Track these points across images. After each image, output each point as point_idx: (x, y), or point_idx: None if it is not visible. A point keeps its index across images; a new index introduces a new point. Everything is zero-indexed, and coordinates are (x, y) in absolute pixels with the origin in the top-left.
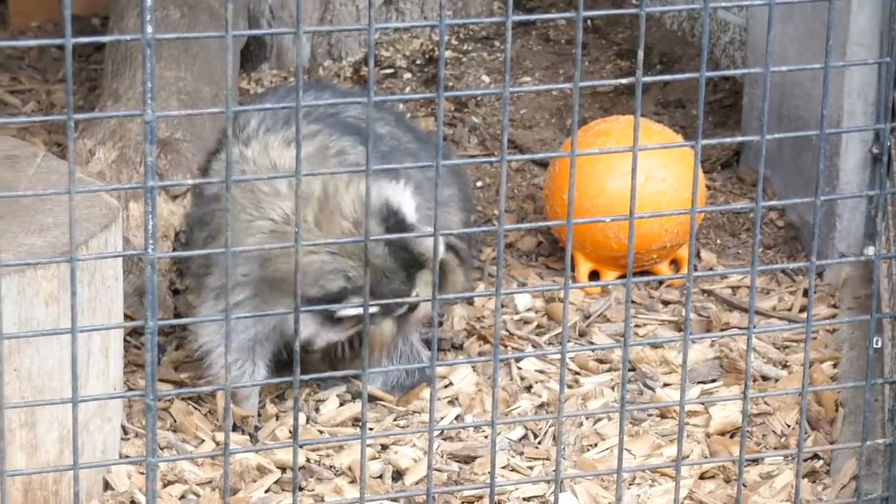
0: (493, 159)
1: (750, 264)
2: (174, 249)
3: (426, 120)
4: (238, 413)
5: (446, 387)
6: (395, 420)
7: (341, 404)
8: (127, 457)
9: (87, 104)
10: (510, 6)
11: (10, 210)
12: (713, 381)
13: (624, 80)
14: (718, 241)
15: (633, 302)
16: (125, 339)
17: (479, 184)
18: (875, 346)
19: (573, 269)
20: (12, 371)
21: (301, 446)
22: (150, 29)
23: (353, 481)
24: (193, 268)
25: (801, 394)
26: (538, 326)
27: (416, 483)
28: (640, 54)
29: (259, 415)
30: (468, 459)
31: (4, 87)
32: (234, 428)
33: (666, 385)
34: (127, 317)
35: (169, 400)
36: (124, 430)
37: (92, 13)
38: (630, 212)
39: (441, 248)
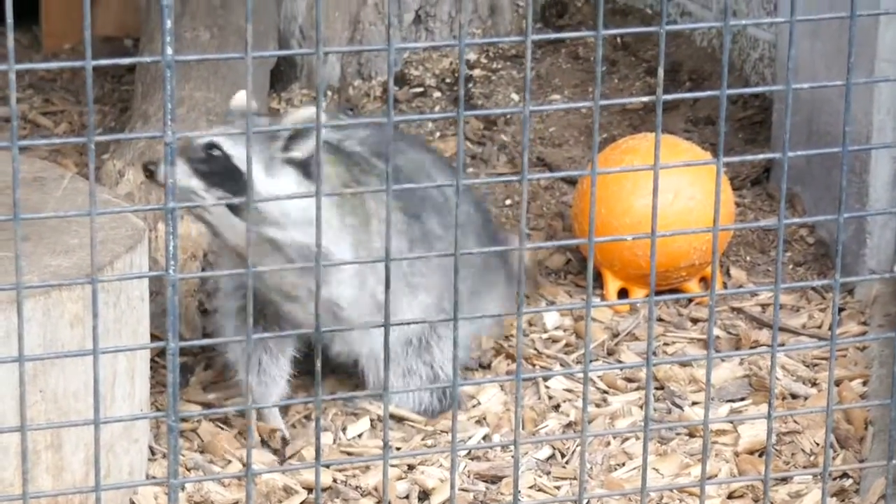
0: (514, 178)
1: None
2: (203, 270)
3: (454, 139)
4: (265, 427)
5: (474, 406)
6: (422, 440)
7: (371, 426)
8: (154, 478)
9: (118, 126)
10: (529, 26)
11: (36, 232)
12: (742, 399)
13: (644, 98)
14: (748, 259)
15: (662, 320)
16: (153, 360)
17: (507, 202)
18: None
19: (602, 288)
20: (38, 392)
21: (327, 466)
22: (169, 51)
23: (379, 502)
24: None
25: (827, 412)
26: (566, 345)
27: (442, 503)
28: (661, 72)
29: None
30: (495, 479)
31: (37, 108)
32: (262, 443)
33: (694, 403)
34: (155, 337)
35: (197, 421)
36: (152, 451)
37: (125, 34)
38: (652, 230)
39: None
